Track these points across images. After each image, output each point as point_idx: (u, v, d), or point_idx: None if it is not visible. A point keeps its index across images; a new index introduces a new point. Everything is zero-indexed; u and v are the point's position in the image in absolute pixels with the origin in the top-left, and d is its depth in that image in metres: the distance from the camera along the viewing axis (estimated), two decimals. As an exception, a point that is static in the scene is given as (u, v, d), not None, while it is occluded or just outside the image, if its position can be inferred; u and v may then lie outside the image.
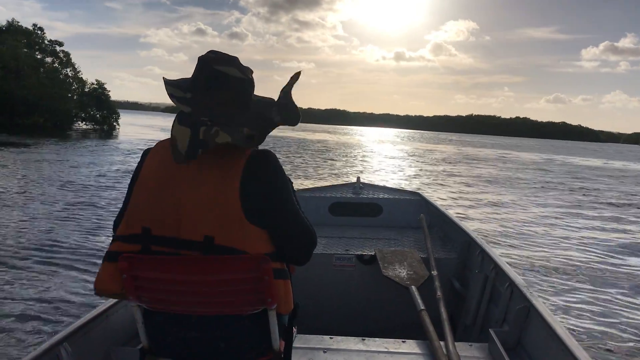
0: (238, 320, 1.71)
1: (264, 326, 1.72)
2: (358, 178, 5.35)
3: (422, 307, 3.09)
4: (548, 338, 2.37)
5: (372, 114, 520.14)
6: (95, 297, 2.57)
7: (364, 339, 2.79)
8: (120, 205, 1.83)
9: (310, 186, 6.11)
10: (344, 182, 5.53)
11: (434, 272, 3.61)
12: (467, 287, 3.77)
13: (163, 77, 1.76)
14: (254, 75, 1.82)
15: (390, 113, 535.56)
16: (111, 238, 1.81)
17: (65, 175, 16.54)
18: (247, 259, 1.64)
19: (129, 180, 1.82)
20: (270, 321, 1.70)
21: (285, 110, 1.75)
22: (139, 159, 1.81)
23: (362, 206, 5.03)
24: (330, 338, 2.80)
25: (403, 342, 2.76)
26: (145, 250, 1.69)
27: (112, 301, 2.61)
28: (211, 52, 1.78)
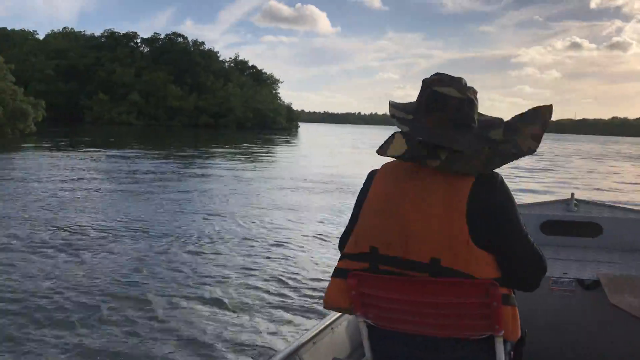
0: (463, 344, 1.70)
1: (489, 352, 1.69)
2: (572, 194, 4.95)
3: None
4: None
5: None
6: (322, 309, 2.81)
7: None
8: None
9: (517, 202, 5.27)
10: (556, 199, 5.24)
11: None
12: None
13: (389, 101, 1.83)
14: None
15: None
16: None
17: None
18: (476, 284, 1.62)
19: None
20: (496, 348, 1.67)
21: (514, 134, 1.72)
22: (364, 179, 1.88)
23: (579, 225, 4.66)
24: None
25: None
26: (372, 268, 1.73)
27: (336, 314, 2.76)
28: (436, 74, 1.78)
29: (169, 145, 38.28)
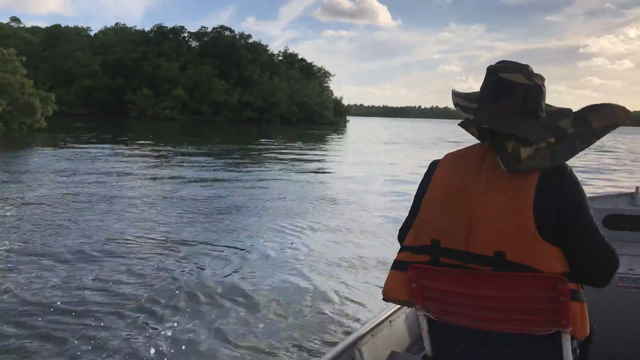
0: (528, 339, 1.66)
1: (554, 349, 1.64)
2: (637, 188, 4.62)
3: None
4: None
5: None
6: (381, 302, 2.38)
7: None
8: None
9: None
10: (619, 192, 4.84)
11: None
12: None
13: (452, 89, 1.80)
14: None
15: None
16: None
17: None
18: (543, 278, 1.59)
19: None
20: (563, 345, 1.62)
21: (584, 125, 1.69)
22: (426, 170, 1.84)
23: None
24: None
25: None
26: (433, 261, 1.72)
27: (393, 307, 2.78)
28: (501, 61, 1.76)
29: (213, 140, 35.66)
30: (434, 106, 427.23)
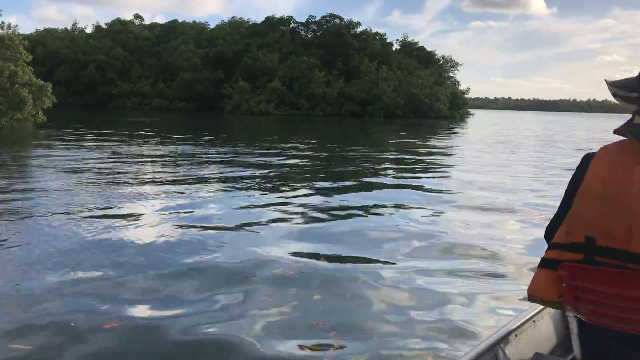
0: None
1: None
2: None
3: None
4: None
5: None
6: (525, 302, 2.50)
7: None
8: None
9: None
10: None
11: None
12: None
13: (605, 79, 1.72)
14: None
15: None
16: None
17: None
18: None
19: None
20: None
21: None
22: (578, 164, 1.77)
23: None
24: None
25: None
26: (587, 260, 1.64)
27: (537, 307, 2.68)
28: None
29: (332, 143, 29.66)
30: (591, 99, 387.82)
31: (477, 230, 8.90)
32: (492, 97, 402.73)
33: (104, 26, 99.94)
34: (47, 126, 31.78)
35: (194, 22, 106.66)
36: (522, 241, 8.12)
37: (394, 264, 6.81)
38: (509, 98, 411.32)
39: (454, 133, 44.58)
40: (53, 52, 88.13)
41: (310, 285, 6.00)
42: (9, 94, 29.53)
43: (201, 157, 19.23)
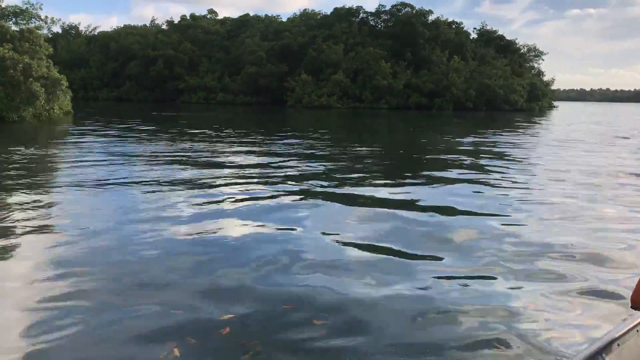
0: None
1: None
2: None
3: None
4: None
5: None
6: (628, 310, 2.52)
7: None
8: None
9: None
10: None
11: None
12: None
13: None
14: None
15: None
16: None
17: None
18: None
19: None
20: None
21: None
22: None
23: None
24: None
25: None
26: None
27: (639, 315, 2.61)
28: None
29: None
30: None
31: (574, 230, 8.70)
32: (588, 89, 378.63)
33: (175, 22, 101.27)
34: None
35: (265, 15, 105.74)
36: (625, 244, 7.88)
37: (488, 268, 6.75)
38: (607, 89, 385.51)
39: (524, 130, 39.63)
40: (125, 47, 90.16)
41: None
42: (21, 88, 28.77)
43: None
